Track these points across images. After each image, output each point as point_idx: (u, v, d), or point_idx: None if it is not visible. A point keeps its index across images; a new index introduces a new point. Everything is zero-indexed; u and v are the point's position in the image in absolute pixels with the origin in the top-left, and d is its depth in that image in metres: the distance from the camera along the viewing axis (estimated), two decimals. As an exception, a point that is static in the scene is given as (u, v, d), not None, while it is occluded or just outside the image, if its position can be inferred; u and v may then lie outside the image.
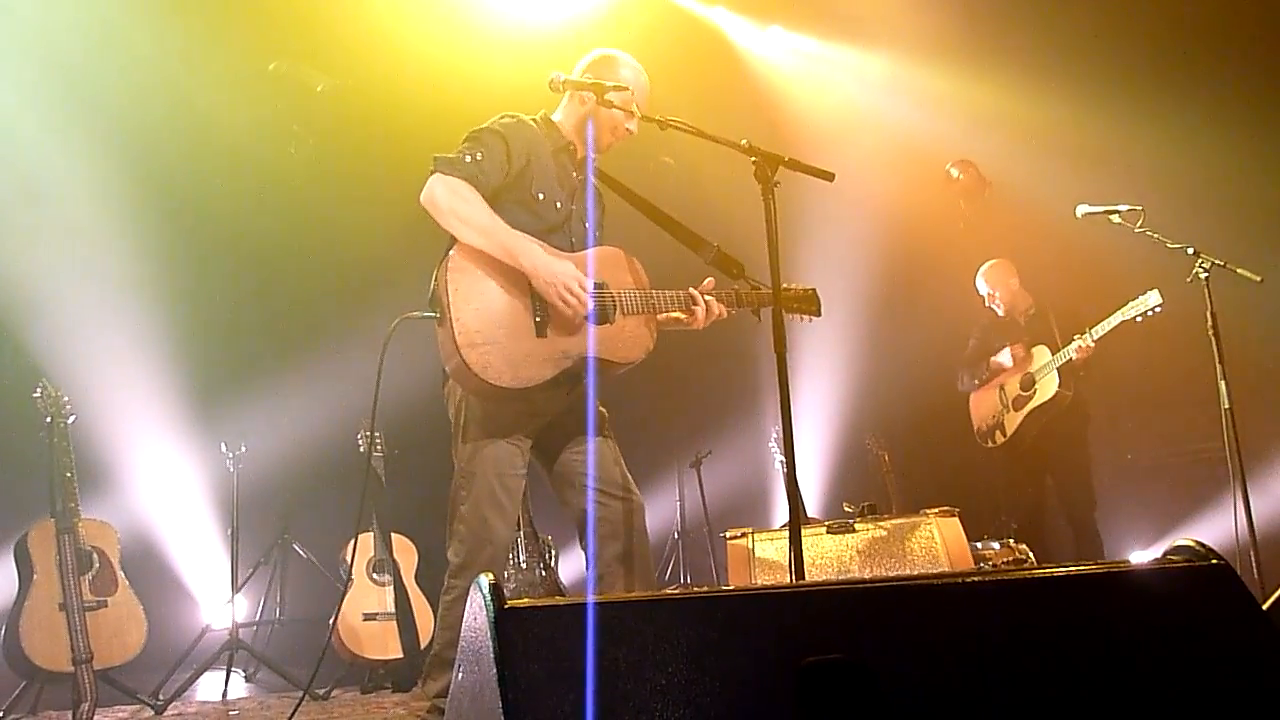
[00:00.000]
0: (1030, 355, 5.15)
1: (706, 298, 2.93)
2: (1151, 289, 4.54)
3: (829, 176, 2.65)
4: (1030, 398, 5.11)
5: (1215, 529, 4.95)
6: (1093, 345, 4.80)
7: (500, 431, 2.79)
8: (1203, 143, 5.48)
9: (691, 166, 5.75)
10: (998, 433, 5.28)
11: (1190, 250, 3.97)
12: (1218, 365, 3.86)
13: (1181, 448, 5.94)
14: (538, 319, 2.73)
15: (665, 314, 2.94)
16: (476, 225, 2.70)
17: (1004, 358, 5.23)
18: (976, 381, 5.39)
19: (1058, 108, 5.83)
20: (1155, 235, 4.03)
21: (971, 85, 5.94)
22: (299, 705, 3.22)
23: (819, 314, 3.11)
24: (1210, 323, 3.89)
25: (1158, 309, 4.52)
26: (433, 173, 2.74)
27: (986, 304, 5.37)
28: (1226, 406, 3.83)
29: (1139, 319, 4.61)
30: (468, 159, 2.75)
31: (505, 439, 2.80)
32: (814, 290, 3.10)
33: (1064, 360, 4.93)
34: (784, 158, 2.59)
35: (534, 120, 2.96)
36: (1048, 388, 5.03)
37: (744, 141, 2.60)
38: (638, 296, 2.87)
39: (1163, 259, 4.12)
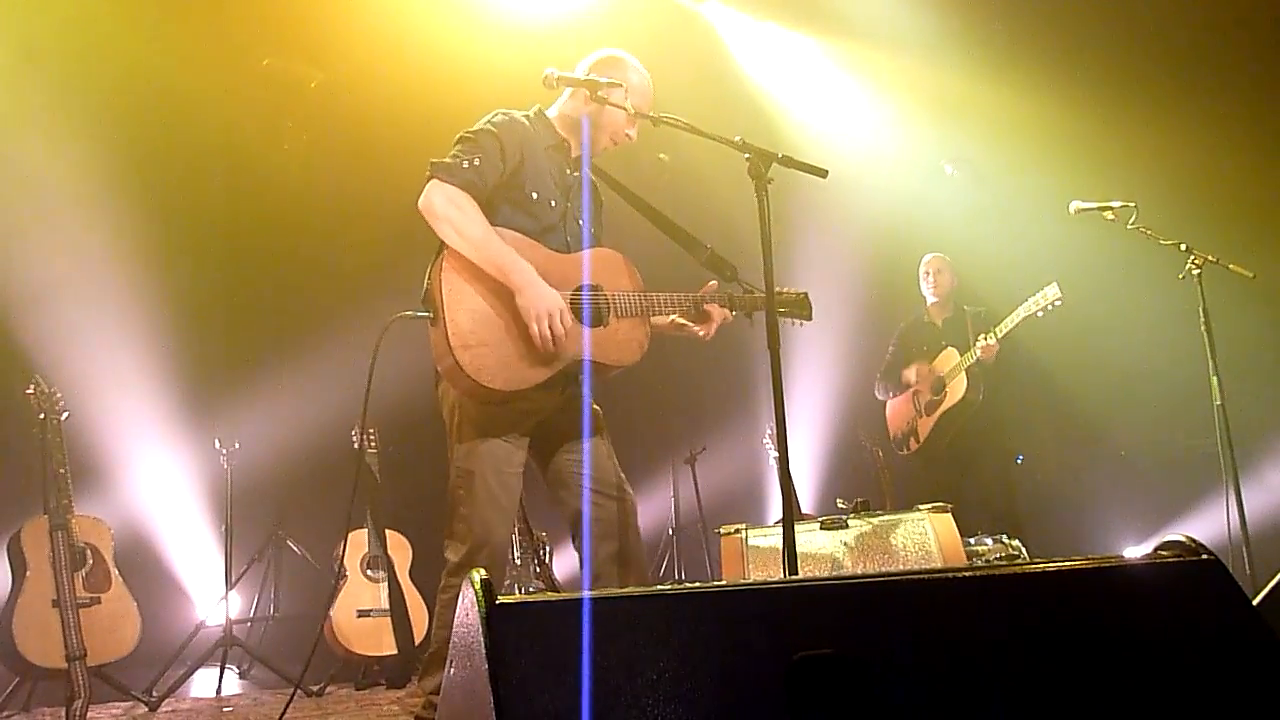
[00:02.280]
0: (937, 364, 5.13)
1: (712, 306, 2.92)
2: (1051, 282, 4.55)
3: (822, 173, 2.63)
4: (941, 401, 5.08)
5: (1207, 525, 4.96)
6: (996, 344, 4.78)
7: (495, 430, 2.77)
8: (1196, 140, 5.50)
9: (686, 163, 5.75)
10: (912, 439, 5.25)
11: (1183, 247, 3.98)
12: (1210, 361, 3.88)
13: (1174, 444, 5.96)
14: None
15: (667, 318, 2.92)
16: (470, 238, 2.66)
17: (909, 374, 5.23)
18: (891, 392, 5.38)
19: (1052, 105, 5.84)
20: (1148, 232, 4.05)
21: (966, 82, 5.95)
22: (290, 701, 3.20)
23: (810, 318, 3.08)
24: (1203, 319, 3.91)
25: (1058, 302, 4.53)
26: (430, 178, 2.69)
27: (921, 284, 5.31)
28: (1219, 402, 3.85)
29: (1040, 314, 4.61)
30: (465, 165, 2.69)
31: (501, 437, 2.77)
32: (805, 294, 3.07)
33: (971, 361, 4.90)
34: (777, 154, 2.57)
35: (526, 116, 2.91)
36: (957, 390, 5.00)
37: (738, 138, 2.59)
38: (633, 299, 2.84)
39: (1155, 255, 4.14)
